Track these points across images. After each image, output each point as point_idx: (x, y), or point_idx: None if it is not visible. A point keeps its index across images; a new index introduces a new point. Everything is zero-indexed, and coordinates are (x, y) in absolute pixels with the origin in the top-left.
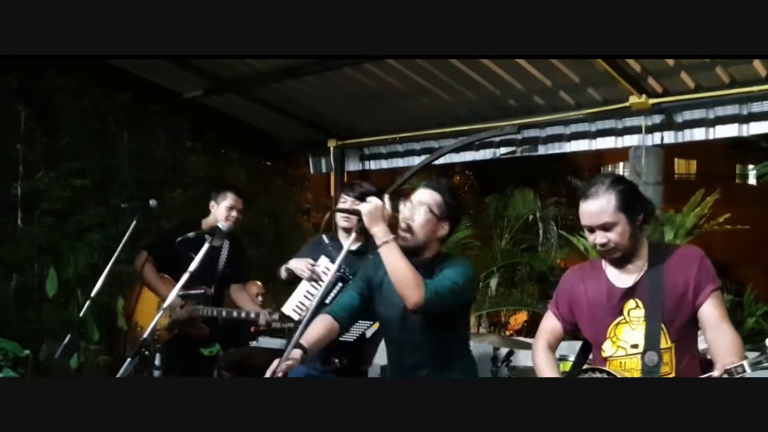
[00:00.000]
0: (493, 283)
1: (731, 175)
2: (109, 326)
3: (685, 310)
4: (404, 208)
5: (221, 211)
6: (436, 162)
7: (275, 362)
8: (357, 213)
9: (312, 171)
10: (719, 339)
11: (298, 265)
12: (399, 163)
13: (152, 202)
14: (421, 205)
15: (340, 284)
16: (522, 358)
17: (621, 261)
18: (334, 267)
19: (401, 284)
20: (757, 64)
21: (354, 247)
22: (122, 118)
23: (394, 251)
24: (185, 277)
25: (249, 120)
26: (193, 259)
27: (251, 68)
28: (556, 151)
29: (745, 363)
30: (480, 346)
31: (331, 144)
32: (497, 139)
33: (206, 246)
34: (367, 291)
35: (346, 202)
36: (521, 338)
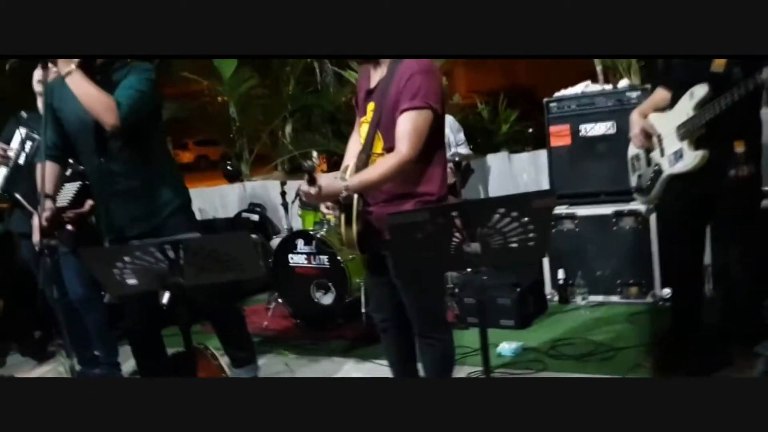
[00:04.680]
0: (288, 128)
1: None
2: None
3: (395, 121)
4: None
5: None
6: None
7: (35, 218)
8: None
9: None
10: (383, 158)
11: None
12: None
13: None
14: None
15: (30, 142)
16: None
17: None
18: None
19: (96, 110)
20: None
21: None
22: None
23: (79, 79)
24: None
25: None
26: None
27: None
28: None
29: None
30: (269, 183)
31: None
32: None
33: None
34: (56, 116)
35: None
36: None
